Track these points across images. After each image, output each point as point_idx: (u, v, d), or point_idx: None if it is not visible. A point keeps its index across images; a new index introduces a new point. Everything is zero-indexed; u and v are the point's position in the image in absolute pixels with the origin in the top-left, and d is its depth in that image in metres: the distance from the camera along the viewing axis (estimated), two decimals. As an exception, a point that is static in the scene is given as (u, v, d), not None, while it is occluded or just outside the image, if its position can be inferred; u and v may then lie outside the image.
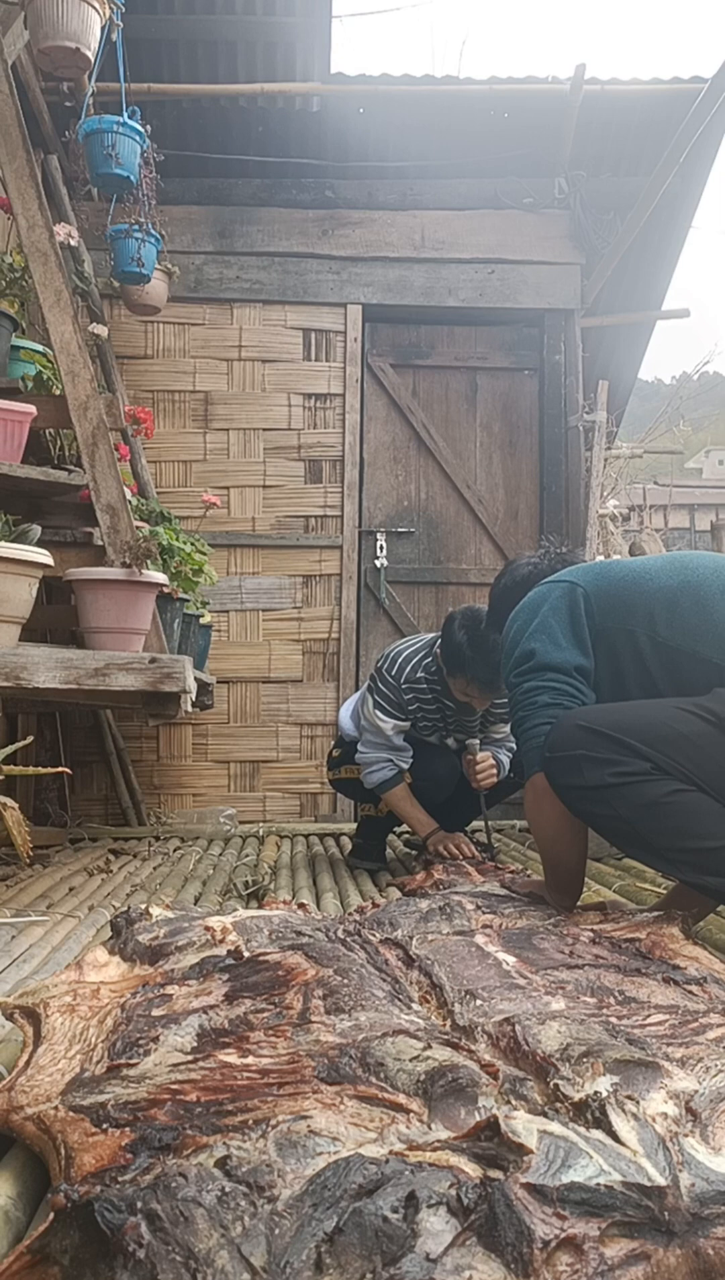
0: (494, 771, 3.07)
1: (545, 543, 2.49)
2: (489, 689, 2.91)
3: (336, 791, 3.56)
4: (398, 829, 3.55)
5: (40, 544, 2.63)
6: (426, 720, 3.10)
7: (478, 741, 3.12)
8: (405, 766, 3.08)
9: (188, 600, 3.61)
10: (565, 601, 1.98)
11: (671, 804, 1.69)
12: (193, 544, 3.61)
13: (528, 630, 1.99)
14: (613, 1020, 1.19)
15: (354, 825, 3.49)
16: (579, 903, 2.02)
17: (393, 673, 3.05)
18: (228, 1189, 0.78)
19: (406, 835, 3.73)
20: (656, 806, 1.69)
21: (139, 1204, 0.75)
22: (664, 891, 2.41)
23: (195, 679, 3.04)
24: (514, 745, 3.16)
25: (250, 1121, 0.88)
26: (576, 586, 2.00)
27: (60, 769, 2.58)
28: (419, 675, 3.03)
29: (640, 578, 1.97)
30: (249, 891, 2.82)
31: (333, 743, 3.58)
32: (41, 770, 2.49)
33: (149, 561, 2.87)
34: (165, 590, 3.11)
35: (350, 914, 1.99)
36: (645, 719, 1.75)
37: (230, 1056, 1.08)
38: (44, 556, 2.56)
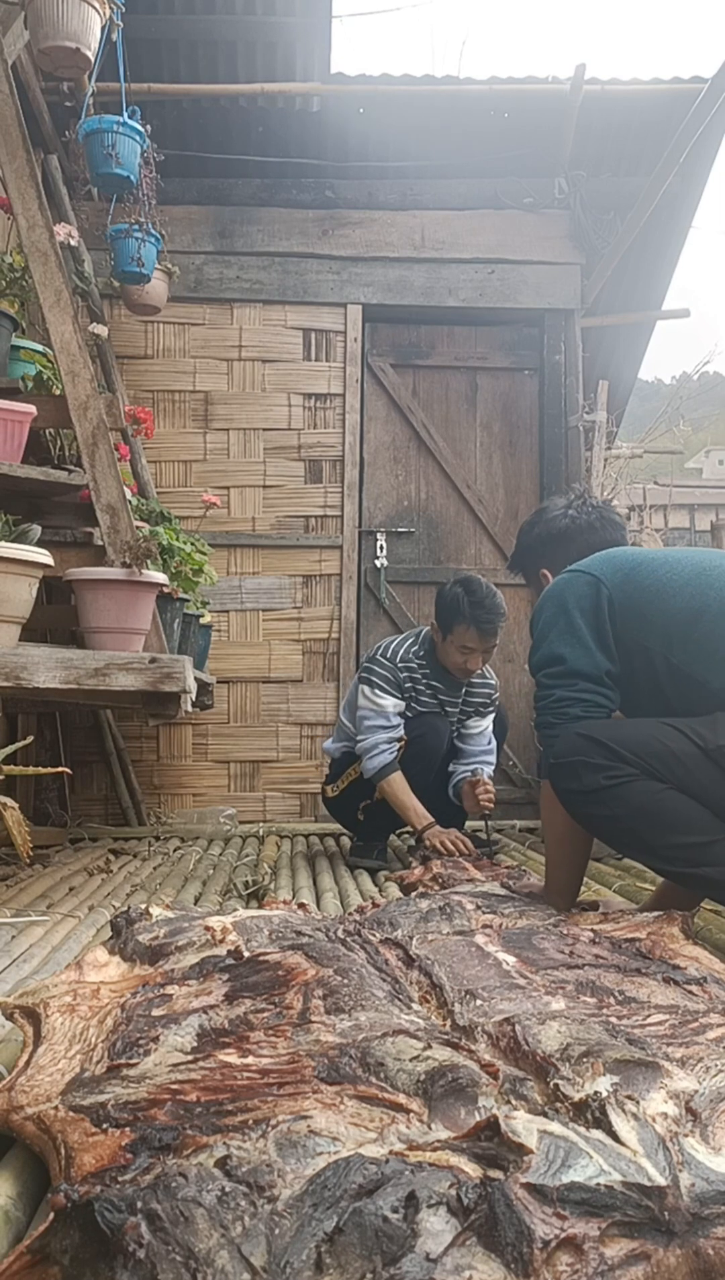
0: (493, 796, 3.25)
1: (579, 488, 2.45)
2: (488, 632, 3.12)
3: (332, 814, 3.58)
4: (399, 831, 3.56)
5: (40, 544, 2.63)
6: (418, 701, 3.27)
7: (481, 768, 3.32)
8: (399, 741, 3.19)
9: (188, 600, 3.61)
10: (591, 602, 1.98)
11: (660, 801, 1.77)
12: (193, 544, 3.61)
13: (555, 628, 1.99)
14: (613, 1020, 1.19)
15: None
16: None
17: (387, 655, 3.26)
18: (228, 1189, 0.78)
19: (407, 835, 3.74)
20: (647, 804, 1.78)
21: (139, 1204, 0.75)
22: None
23: (195, 679, 3.04)
24: (493, 757, 3.45)
25: (250, 1121, 0.88)
26: (602, 587, 1.98)
27: (60, 769, 2.58)
28: (410, 657, 3.26)
29: (664, 590, 1.94)
30: (249, 891, 2.82)
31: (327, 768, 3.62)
32: (41, 770, 2.49)
33: (149, 561, 2.86)
34: (165, 590, 3.11)
35: (350, 914, 1.99)
36: (640, 735, 1.83)
37: (230, 1056, 1.08)
38: (44, 556, 2.56)
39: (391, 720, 3.17)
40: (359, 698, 3.25)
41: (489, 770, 3.37)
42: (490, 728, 3.45)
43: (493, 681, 3.43)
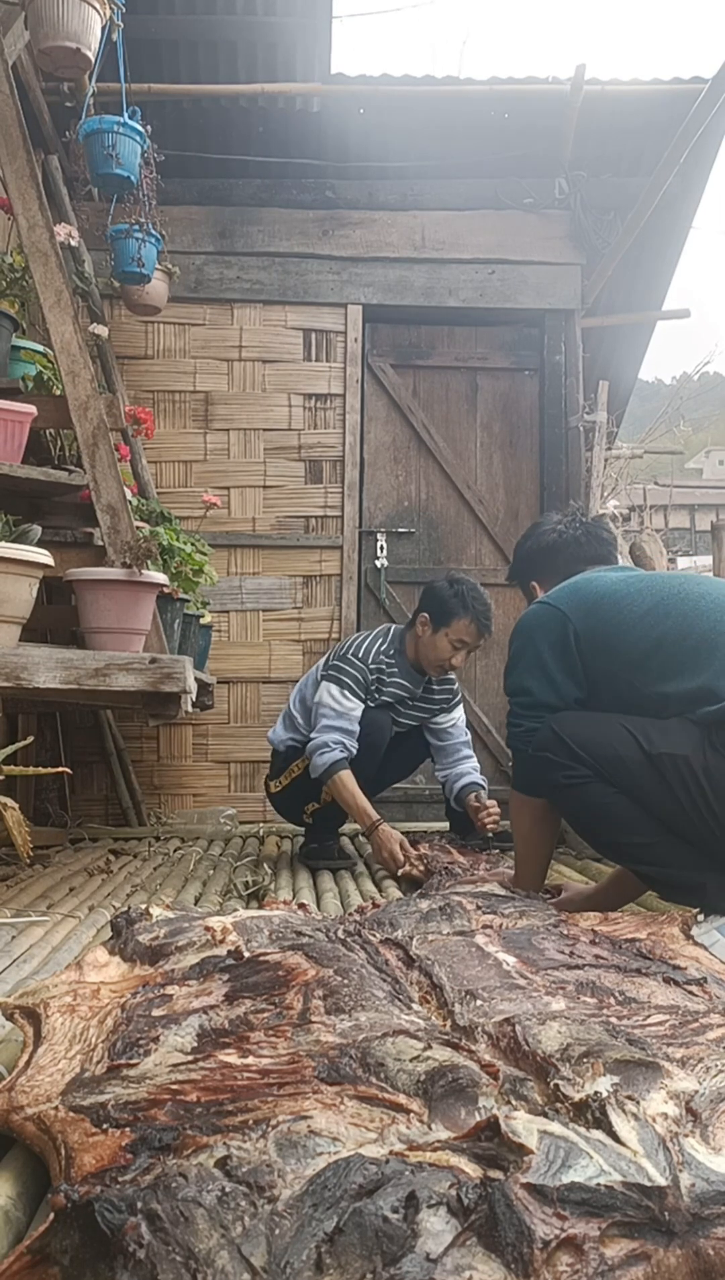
0: (498, 816, 3.24)
1: (575, 505, 2.61)
2: (485, 627, 3.17)
3: (276, 810, 3.57)
4: (343, 828, 3.51)
5: (40, 544, 2.63)
6: (378, 702, 3.26)
7: (487, 791, 3.37)
8: (353, 750, 3.14)
9: (188, 600, 3.61)
10: (558, 635, 2.16)
11: (608, 805, 2.01)
12: (193, 544, 3.61)
13: (523, 660, 2.21)
14: (613, 1020, 1.19)
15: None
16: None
17: (359, 656, 3.23)
18: (228, 1189, 0.78)
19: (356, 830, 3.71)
20: (597, 807, 2.02)
21: (139, 1204, 0.75)
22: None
23: (195, 679, 3.04)
24: (474, 758, 3.48)
25: (250, 1121, 0.88)
26: (568, 622, 2.17)
27: (60, 769, 2.58)
28: (381, 659, 3.24)
29: (624, 623, 2.11)
30: (249, 891, 2.82)
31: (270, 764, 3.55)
32: (41, 770, 2.49)
33: (149, 562, 2.86)
34: (165, 590, 3.11)
35: (350, 914, 1.99)
36: (599, 737, 2.02)
37: (230, 1056, 1.08)
38: (44, 556, 2.56)
39: (353, 726, 3.12)
40: (323, 694, 3.17)
41: (479, 776, 3.40)
42: (463, 720, 3.48)
43: (453, 679, 3.45)
